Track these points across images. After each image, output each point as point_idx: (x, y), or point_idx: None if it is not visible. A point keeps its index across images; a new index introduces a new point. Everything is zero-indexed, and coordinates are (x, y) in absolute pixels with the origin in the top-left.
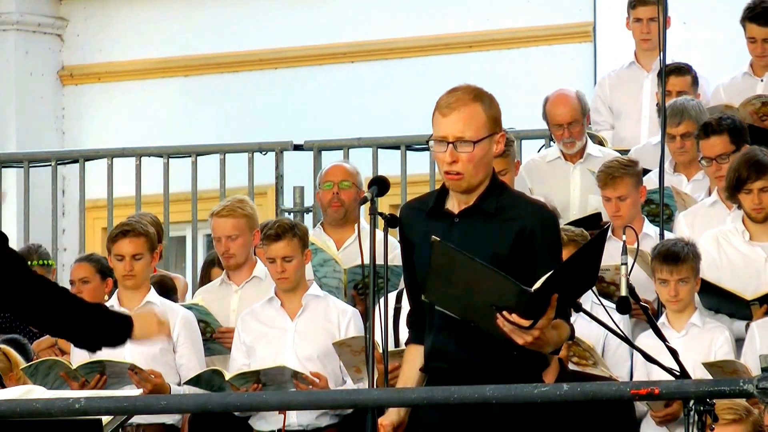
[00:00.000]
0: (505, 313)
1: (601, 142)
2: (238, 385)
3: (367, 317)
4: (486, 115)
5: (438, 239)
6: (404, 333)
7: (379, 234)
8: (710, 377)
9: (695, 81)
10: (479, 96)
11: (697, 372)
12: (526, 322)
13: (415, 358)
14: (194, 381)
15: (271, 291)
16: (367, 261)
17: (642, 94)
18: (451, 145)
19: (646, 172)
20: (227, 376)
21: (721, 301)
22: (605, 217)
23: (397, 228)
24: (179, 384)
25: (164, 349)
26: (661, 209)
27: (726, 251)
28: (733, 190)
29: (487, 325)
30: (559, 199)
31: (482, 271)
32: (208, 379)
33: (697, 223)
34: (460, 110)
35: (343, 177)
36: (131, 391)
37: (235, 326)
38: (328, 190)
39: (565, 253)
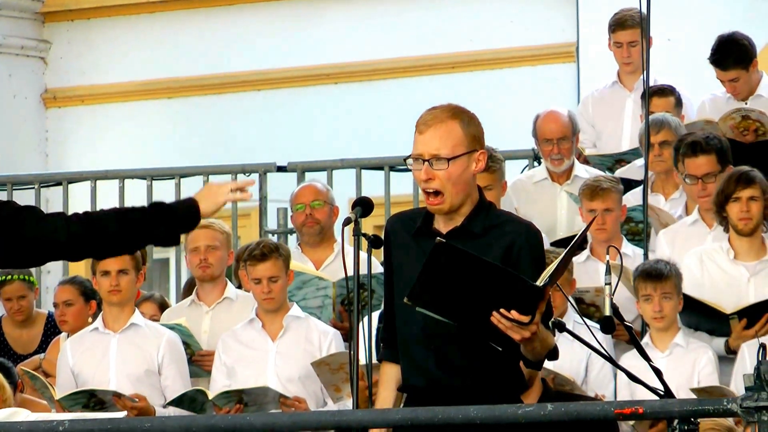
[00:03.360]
0: (503, 310)
1: (579, 154)
2: (221, 404)
3: (351, 336)
4: (464, 133)
5: (443, 240)
6: None
7: (363, 255)
8: None
9: (678, 102)
10: (457, 114)
11: (681, 392)
12: (525, 318)
13: (390, 378)
14: (177, 401)
15: (244, 312)
16: (350, 274)
17: (624, 113)
18: (426, 163)
19: (626, 185)
20: (210, 395)
21: (701, 318)
22: (588, 237)
23: (382, 240)
24: (164, 405)
25: (149, 371)
26: (645, 226)
27: (709, 270)
28: (722, 204)
29: (478, 327)
30: (546, 220)
31: (490, 269)
32: (192, 399)
33: (678, 242)
34: (436, 127)
35: (314, 197)
36: (115, 413)
37: (208, 348)
38: (300, 211)
39: None
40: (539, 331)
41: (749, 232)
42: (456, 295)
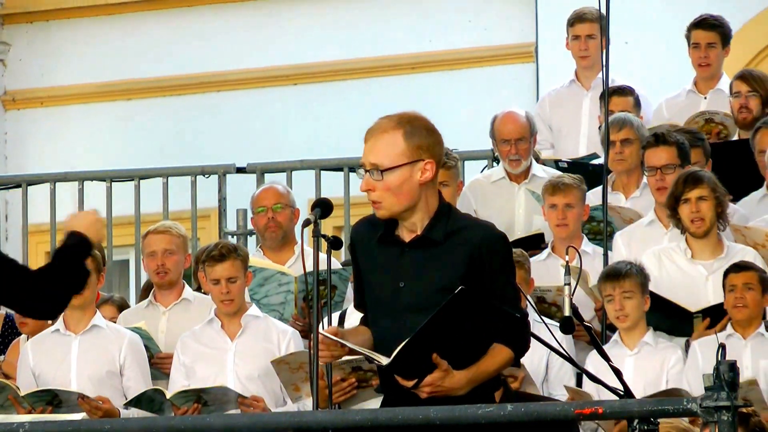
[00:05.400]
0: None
1: (537, 157)
2: (179, 403)
3: (310, 333)
4: (406, 143)
5: (322, 333)
6: None
7: (322, 256)
8: None
9: (637, 103)
10: (402, 123)
11: (649, 389)
12: (408, 383)
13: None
14: (135, 401)
15: (202, 313)
16: (310, 272)
17: (581, 112)
18: (367, 173)
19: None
20: (168, 395)
21: (661, 317)
22: (548, 238)
23: (347, 246)
24: (124, 406)
25: (111, 373)
26: (605, 224)
27: (667, 269)
28: (674, 207)
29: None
30: (504, 219)
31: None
32: (150, 399)
33: (634, 242)
34: (377, 137)
35: (275, 200)
36: (75, 414)
37: (166, 350)
38: (262, 214)
39: None
40: (443, 388)
41: (702, 235)
42: None
